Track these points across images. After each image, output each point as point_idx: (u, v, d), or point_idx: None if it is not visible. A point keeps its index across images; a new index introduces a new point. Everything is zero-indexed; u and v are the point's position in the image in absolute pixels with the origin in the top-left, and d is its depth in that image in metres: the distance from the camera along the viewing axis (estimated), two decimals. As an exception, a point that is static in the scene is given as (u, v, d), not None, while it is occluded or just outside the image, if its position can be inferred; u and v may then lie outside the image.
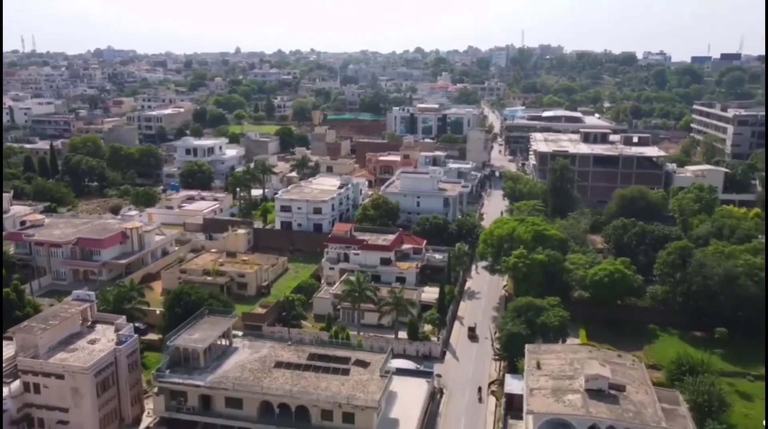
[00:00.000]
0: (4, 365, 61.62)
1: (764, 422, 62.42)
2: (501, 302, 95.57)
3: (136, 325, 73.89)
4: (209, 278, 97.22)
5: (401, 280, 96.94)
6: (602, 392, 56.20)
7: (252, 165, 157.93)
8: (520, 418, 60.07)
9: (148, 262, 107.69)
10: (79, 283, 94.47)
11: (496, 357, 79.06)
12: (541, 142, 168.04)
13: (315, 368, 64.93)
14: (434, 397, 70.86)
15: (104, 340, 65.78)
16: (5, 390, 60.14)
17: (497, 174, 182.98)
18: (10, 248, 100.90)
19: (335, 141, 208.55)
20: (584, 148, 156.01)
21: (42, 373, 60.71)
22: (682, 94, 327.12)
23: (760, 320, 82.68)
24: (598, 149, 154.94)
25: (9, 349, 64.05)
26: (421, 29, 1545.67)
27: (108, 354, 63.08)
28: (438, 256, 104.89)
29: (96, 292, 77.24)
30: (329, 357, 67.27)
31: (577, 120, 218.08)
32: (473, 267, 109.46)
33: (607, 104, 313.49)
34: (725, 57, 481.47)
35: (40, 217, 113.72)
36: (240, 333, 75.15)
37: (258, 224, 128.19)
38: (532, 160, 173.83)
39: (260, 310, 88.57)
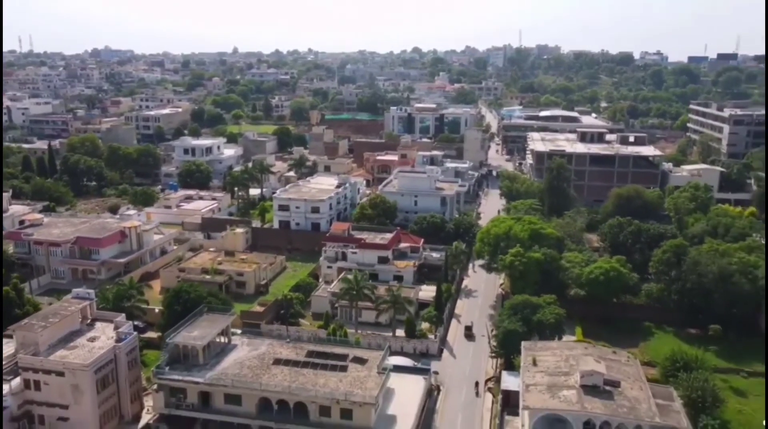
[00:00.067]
0: (4, 362, 62.11)
1: (765, 422, 62.91)
2: (498, 300, 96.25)
3: (135, 323, 74.18)
4: (208, 277, 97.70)
5: (399, 278, 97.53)
6: (597, 388, 56.81)
7: (250, 164, 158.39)
8: (517, 414, 60.57)
9: (146, 261, 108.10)
10: (77, 282, 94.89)
11: (493, 354, 79.77)
12: (538, 142, 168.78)
13: (313, 365, 65.44)
14: (431, 394, 71.43)
15: (104, 337, 66.19)
16: (5, 387, 60.52)
17: (494, 173, 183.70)
18: (9, 247, 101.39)
19: (333, 141, 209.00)
20: (581, 148, 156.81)
21: (42, 370, 61.14)
22: (678, 94, 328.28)
23: (753, 318, 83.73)
24: (595, 149, 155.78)
25: (9, 347, 64.51)
26: (419, 29, 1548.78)
27: (108, 351, 63.53)
28: (435, 254, 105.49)
29: (95, 290, 77.66)
30: (327, 354, 67.75)
31: (574, 120, 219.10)
32: (470, 265, 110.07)
33: (604, 104, 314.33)
34: (722, 57, 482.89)
35: (38, 216, 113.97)
36: (238, 331, 75.63)
37: (256, 223, 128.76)
38: (529, 160, 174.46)
39: (259, 309, 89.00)
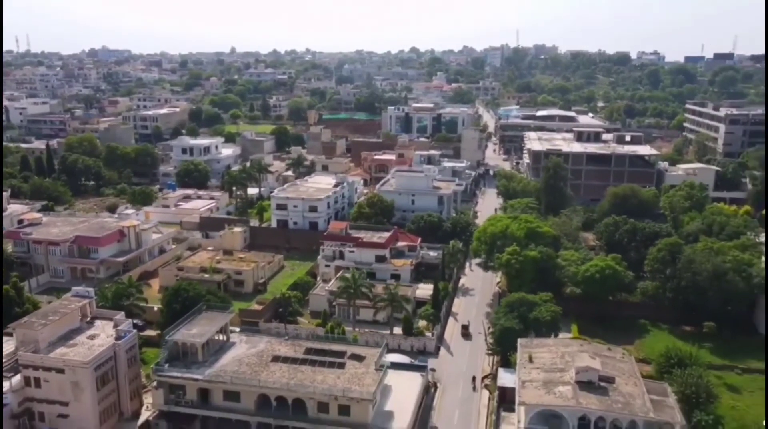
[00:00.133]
0: (4, 360, 62.56)
1: (765, 422, 63.53)
2: (494, 298, 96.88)
3: (135, 321, 74.55)
4: (206, 275, 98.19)
5: (396, 277, 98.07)
6: (592, 384, 57.50)
7: (248, 164, 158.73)
8: (513, 410, 61.24)
9: (145, 259, 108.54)
10: (76, 281, 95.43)
11: (490, 351, 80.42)
12: (534, 141, 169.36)
13: (311, 362, 65.94)
14: (428, 391, 71.99)
15: (103, 335, 66.62)
16: (6, 384, 61.01)
17: (491, 172, 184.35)
18: (8, 246, 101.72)
19: (330, 140, 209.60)
20: (577, 147, 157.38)
21: (42, 367, 61.56)
22: (675, 94, 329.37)
23: (747, 315, 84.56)
24: (591, 148, 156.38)
25: (9, 345, 64.97)
26: (417, 29, 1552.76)
27: (107, 349, 63.97)
28: (432, 253, 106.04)
29: (94, 289, 78.12)
30: (325, 351, 68.31)
31: (571, 119, 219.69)
32: (467, 264, 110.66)
33: (600, 104, 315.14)
34: (718, 57, 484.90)
35: (37, 215, 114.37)
36: (237, 329, 76.09)
37: (254, 222, 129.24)
38: (526, 159, 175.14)
39: (257, 307, 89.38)
